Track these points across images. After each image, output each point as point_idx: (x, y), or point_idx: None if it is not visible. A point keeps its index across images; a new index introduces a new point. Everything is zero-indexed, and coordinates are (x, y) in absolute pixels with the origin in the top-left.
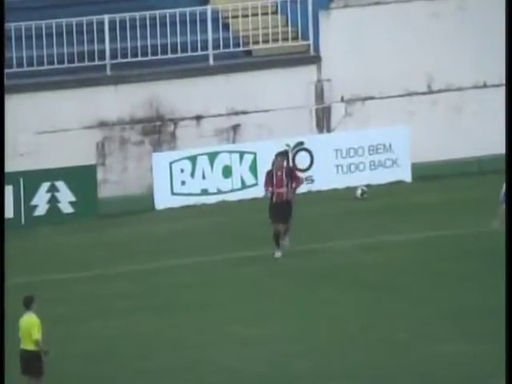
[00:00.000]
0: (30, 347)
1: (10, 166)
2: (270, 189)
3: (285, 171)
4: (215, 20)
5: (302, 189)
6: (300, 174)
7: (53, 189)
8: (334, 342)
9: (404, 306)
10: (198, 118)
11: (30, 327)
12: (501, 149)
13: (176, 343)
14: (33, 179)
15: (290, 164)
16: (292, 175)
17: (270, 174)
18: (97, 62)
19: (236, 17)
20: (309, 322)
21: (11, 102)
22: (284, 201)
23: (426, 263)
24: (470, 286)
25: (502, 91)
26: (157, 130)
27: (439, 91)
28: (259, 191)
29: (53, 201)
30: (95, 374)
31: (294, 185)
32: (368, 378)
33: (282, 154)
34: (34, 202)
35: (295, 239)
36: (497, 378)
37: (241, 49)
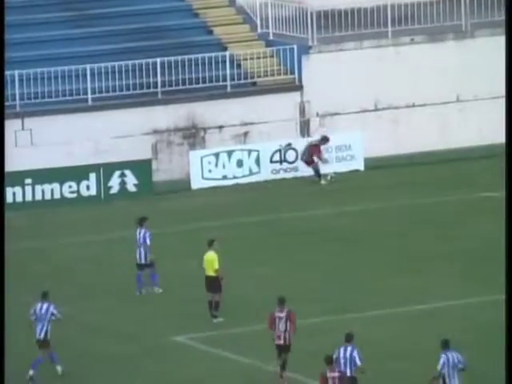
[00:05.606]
0: (212, 273)
1: (94, 159)
2: None
3: None
4: (232, 61)
5: (290, 175)
6: None
7: (122, 175)
8: (313, 275)
9: (360, 251)
10: (220, 127)
11: (212, 260)
12: (422, 148)
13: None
14: (109, 168)
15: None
16: None
17: None
18: (152, 90)
19: (246, 59)
20: (297, 263)
21: (95, 117)
22: None
23: (372, 224)
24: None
25: (426, 109)
26: (192, 135)
27: (382, 109)
28: (261, 177)
29: (122, 183)
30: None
31: None
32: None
33: None
34: (109, 184)
35: (288, 209)
36: None
37: (249, 80)
